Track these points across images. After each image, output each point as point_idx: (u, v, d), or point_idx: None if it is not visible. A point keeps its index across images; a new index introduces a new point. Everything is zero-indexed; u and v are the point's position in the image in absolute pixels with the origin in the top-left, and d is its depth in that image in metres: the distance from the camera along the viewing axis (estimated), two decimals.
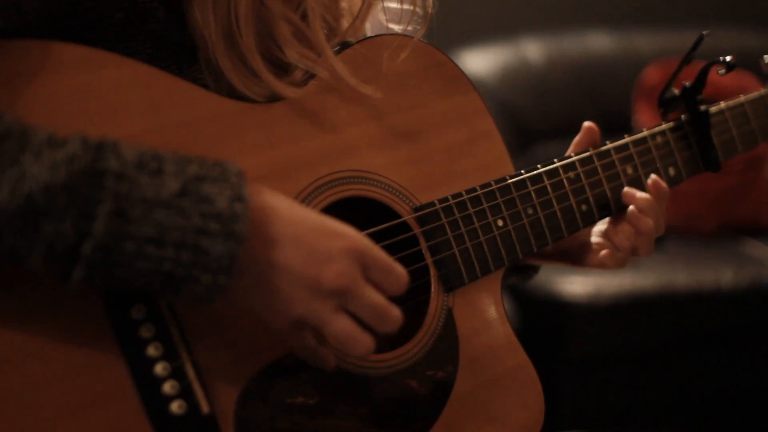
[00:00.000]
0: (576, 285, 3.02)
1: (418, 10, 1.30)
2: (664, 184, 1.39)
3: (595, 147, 1.39)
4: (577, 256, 1.43)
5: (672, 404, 3.13)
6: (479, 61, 3.68)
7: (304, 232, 1.05)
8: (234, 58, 1.16)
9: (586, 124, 1.42)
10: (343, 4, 1.29)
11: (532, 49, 3.74)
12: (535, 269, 1.51)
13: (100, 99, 1.06)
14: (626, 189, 1.38)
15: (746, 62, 1.66)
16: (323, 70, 1.20)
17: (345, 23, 1.28)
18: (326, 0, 1.25)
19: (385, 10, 1.31)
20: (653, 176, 1.39)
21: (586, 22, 3.91)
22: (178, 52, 1.16)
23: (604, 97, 3.65)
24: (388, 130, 1.24)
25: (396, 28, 1.30)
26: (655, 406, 3.13)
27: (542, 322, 3.08)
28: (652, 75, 3.44)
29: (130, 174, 0.97)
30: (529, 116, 3.66)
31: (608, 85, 3.69)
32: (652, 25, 3.79)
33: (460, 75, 1.31)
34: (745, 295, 3.11)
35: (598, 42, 3.80)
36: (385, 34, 1.26)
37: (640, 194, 1.38)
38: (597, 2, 4.05)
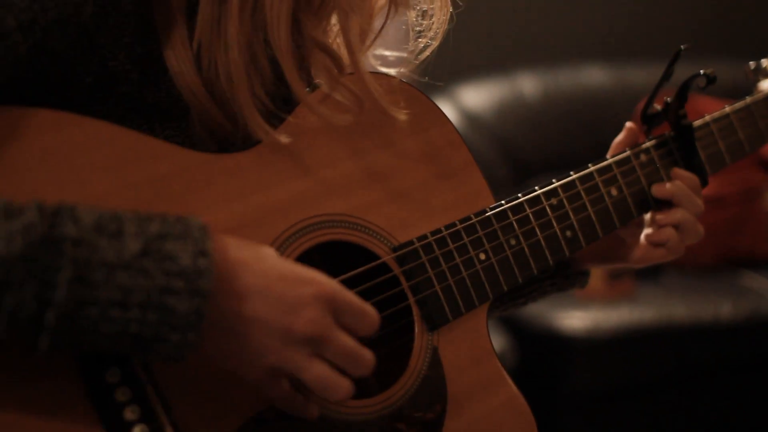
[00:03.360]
0: (575, 319, 3.02)
1: (409, 57, 1.30)
2: (686, 172, 1.42)
3: (578, 170, 1.38)
4: (616, 254, 1.44)
5: None
6: (475, 97, 3.70)
7: (272, 282, 1.03)
8: (256, 99, 1.15)
9: (628, 124, 1.43)
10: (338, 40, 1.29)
11: (528, 84, 3.75)
12: (586, 273, 1.50)
13: (64, 161, 1.05)
14: (655, 185, 1.40)
15: (739, 94, 1.66)
16: (350, 93, 1.19)
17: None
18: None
19: (380, 55, 1.31)
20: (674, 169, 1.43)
21: (580, 56, 3.92)
22: (151, 113, 1.14)
23: (600, 130, 3.63)
24: (361, 169, 1.22)
25: (386, 71, 1.30)
26: None
27: (541, 356, 3.07)
28: None
29: (89, 238, 0.96)
30: (526, 150, 3.67)
31: (604, 118, 3.69)
32: (646, 58, 3.80)
33: (434, 108, 1.30)
34: (744, 327, 3.11)
35: (593, 76, 3.82)
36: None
37: (669, 184, 1.40)
38: (591, 36, 4.06)
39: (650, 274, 3.30)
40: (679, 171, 1.42)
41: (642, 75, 3.76)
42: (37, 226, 0.95)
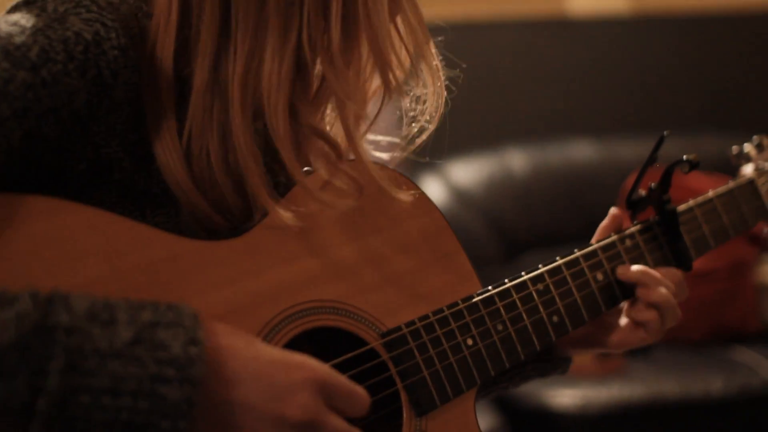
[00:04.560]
0: (565, 397, 3.01)
1: (401, 141, 1.32)
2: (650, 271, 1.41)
3: (563, 255, 1.39)
4: (596, 339, 1.43)
5: None
6: (465, 173, 3.71)
7: (262, 367, 1.05)
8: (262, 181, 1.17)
9: (613, 210, 1.44)
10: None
11: (517, 160, 3.77)
12: (568, 360, 1.50)
13: (56, 247, 1.06)
14: (620, 267, 1.40)
15: (727, 167, 1.68)
16: (349, 179, 1.20)
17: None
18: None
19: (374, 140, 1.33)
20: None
21: (569, 132, 3.95)
22: (142, 199, 1.16)
23: (589, 206, 3.66)
24: (350, 256, 1.23)
25: (379, 155, 1.32)
26: None
27: None
28: None
29: (82, 326, 0.97)
30: (515, 226, 3.67)
31: (592, 194, 3.71)
32: (634, 133, 3.83)
33: (421, 195, 1.31)
34: (734, 403, 3.10)
35: (582, 151, 3.84)
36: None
37: (634, 267, 1.40)
38: (580, 112, 4.10)
39: (640, 350, 3.30)
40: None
41: (631, 150, 3.78)
42: (30, 314, 0.96)
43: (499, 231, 3.63)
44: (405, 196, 1.23)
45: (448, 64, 1.30)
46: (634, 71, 4.13)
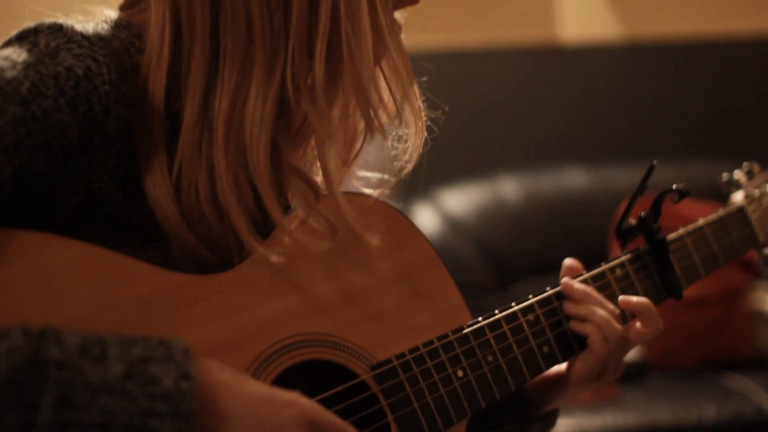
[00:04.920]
0: (558, 425, 2.99)
1: (389, 177, 1.32)
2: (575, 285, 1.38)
3: (554, 286, 1.39)
4: (557, 378, 1.40)
5: None
6: (457, 201, 3.72)
7: (253, 404, 1.05)
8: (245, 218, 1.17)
9: (566, 262, 1.43)
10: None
11: (509, 188, 3.78)
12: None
13: (47, 282, 1.06)
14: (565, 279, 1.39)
15: (719, 194, 1.69)
16: (324, 220, 1.20)
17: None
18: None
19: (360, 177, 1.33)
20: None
21: (561, 159, 3.96)
22: (133, 234, 1.16)
23: (581, 233, 3.67)
24: (340, 289, 1.24)
25: (367, 191, 1.32)
26: None
27: None
28: None
29: (73, 361, 0.98)
30: (508, 254, 3.68)
31: (585, 221, 3.72)
32: (627, 161, 3.84)
33: (411, 227, 1.32)
34: (727, 430, 3.09)
35: (574, 179, 3.84)
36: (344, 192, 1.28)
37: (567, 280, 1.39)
38: (572, 140, 4.11)
39: (633, 377, 3.30)
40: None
41: (623, 178, 3.78)
42: (22, 349, 0.96)
43: (492, 259, 3.63)
44: (375, 240, 1.24)
45: (435, 98, 1.31)
46: (626, 99, 4.14)
